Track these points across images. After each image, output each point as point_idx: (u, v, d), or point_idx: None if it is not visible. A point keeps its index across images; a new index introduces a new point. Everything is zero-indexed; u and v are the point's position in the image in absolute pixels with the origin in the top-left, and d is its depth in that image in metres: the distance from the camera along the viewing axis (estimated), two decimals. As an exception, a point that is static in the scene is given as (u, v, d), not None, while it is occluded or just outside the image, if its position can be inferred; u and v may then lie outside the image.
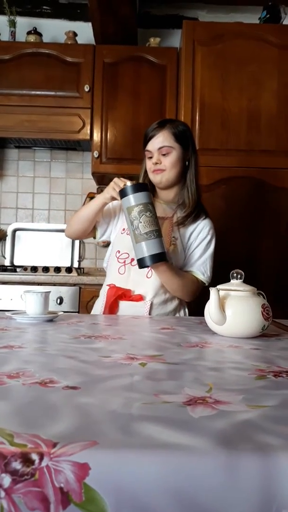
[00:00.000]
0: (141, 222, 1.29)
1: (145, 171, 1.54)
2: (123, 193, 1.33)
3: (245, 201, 2.30)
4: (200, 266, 1.51)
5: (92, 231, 1.58)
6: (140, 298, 1.45)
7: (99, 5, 2.30)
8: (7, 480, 0.38)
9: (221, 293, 1.03)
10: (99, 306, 1.53)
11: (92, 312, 1.60)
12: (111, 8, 2.33)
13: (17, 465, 0.39)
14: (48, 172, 2.97)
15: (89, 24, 2.67)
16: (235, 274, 1.08)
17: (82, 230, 1.55)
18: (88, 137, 2.58)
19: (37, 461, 0.39)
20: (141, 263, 1.33)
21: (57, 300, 2.29)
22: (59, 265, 2.60)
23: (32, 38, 2.70)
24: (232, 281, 1.08)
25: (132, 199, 1.31)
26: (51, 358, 0.76)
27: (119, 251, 1.50)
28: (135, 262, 1.42)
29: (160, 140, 1.45)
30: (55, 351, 0.82)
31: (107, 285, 1.51)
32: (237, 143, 2.30)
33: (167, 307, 1.48)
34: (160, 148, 1.45)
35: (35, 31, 2.73)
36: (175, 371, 0.69)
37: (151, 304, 1.44)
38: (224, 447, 0.41)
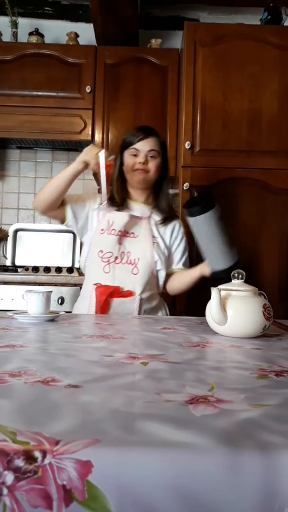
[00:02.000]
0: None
1: (120, 168, 1.59)
2: (207, 205, 1.39)
3: (246, 201, 2.30)
4: (186, 261, 1.66)
5: (61, 210, 1.55)
6: (130, 293, 1.51)
7: (101, 6, 2.31)
8: (9, 477, 0.38)
9: (223, 293, 1.03)
10: (84, 306, 1.55)
11: (75, 313, 1.61)
12: (113, 9, 2.33)
13: (19, 462, 0.39)
14: (50, 172, 2.97)
15: (91, 25, 2.68)
16: (236, 274, 1.08)
17: (51, 201, 1.50)
18: (89, 138, 2.59)
19: (39, 459, 0.39)
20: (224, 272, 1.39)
21: (58, 300, 2.29)
22: (60, 265, 2.60)
23: (34, 39, 2.70)
24: (233, 281, 1.08)
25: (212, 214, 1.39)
26: (52, 357, 0.76)
27: (101, 251, 1.54)
28: (118, 260, 1.51)
29: (151, 144, 1.54)
30: (56, 350, 0.82)
31: (94, 284, 1.53)
32: (238, 144, 2.30)
33: (152, 303, 1.58)
34: (150, 150, 1.54)
35: (37, 32, 2.73)
36: (177, 370, 0.69)
37: (141, 299, 1.51)
38: (227, 446, 0.41)
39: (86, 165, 1.45)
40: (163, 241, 1.60)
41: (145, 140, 1.53)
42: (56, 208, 1.54)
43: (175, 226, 1.64)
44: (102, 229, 1.55)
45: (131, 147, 1.55)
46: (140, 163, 1.53)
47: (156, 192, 1.63)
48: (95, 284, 1.52)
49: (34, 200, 1.56)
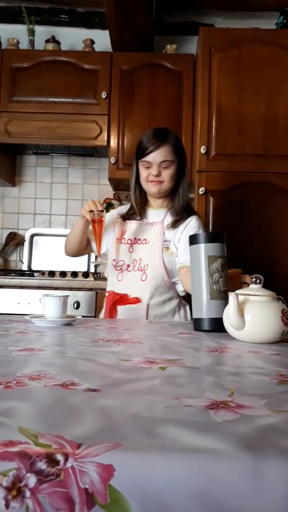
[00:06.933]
0: (222, 278, 1.16)
1: (136, 179, 1.58)
2: (209, 238, 1.18)
3: (262, 206, 2.28)
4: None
5: (88, 248, 1.68)
6: (137, 300, 1.50)
7: (116, 13, 2.33)
8: (32, 480, 0.38)
9: (240, 298, 1.02)
10: (103, 313, 1.61)
11: None
12: (128, 16, 2.35)
13: (42, 465, 0.39)
14: (66, 178, 3.00)
15: (106, 32, 2.70)
16: (254, 279, 1.07)
17: (76, 250, 1.65)
18: (105, 143, 2.61)
19: (62, 462, 0.39)
20: (207, 325, 1.16)
21: (74, 304, 2.30)
22: (76, 270, 2.61)
23: (50, 46, 2.74)
24: (251, 286, 1.07)
25: (219, 247, 1.17)
26: (71, 361, 0.76)
27: (115, 260, 1.57)
28: (131, 267, 1.52)
29: (163, 155, 1.49)
30: (74, 354, 0.82)
31: (107, 291, 1.59)
32: (253, 148, 2.29)
33: (165, 308, 1.53)
34: (162, 161, 1.50)
35: (53, 39, 2.77)
36: (195, 375, 0.68)
37: (148, 306, 1.50)
38: (250, 452, 0.40)
39: (87, 219, 1.51)
40: (173, 243, 1.53)
41: (156, 151, 1.48)
42: (84, 250, 1.68)
43: (190, 221, 1.54)
44: (117, 239, 1.60)
45: (143, 160, 1.51)
46: (153, 175, 1.50)
47: (172, 195, 1.58)
48: (107, 292, 1.58)
49: (64, 250, 1.71)
